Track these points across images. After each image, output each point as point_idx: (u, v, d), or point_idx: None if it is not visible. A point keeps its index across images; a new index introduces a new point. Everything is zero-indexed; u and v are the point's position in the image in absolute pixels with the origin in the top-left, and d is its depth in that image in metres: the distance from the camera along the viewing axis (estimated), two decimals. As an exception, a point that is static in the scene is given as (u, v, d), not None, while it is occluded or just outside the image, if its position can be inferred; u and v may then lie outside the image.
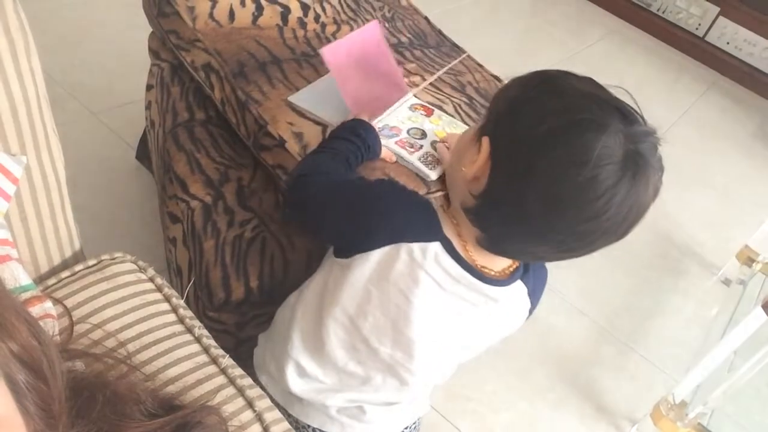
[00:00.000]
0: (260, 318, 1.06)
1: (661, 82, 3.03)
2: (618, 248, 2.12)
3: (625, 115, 0.69)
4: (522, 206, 0.71)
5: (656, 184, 0.70)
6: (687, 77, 3.15)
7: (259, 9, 1.27)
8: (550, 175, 0.68)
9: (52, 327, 0.65)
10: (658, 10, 3.32)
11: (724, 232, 2.24)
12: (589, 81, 0.74)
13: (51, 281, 0.75)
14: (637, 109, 0.72)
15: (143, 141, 1.62)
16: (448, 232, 0.79)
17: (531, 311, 0.89)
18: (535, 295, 0.88)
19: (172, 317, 0.74)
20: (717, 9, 3.16)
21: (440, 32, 1.51)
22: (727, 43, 3.20)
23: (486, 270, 0.80)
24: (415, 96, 1.14)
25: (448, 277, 0.79)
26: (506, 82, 0.80)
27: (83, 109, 1.78)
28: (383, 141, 0.99)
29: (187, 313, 0.76)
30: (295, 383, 0.90)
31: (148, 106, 1.44)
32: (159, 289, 0.76)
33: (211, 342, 0.75)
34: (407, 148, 1.02)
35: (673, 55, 3.29)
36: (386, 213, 0.81)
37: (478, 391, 1.47)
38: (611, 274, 1.90)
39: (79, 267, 0.76)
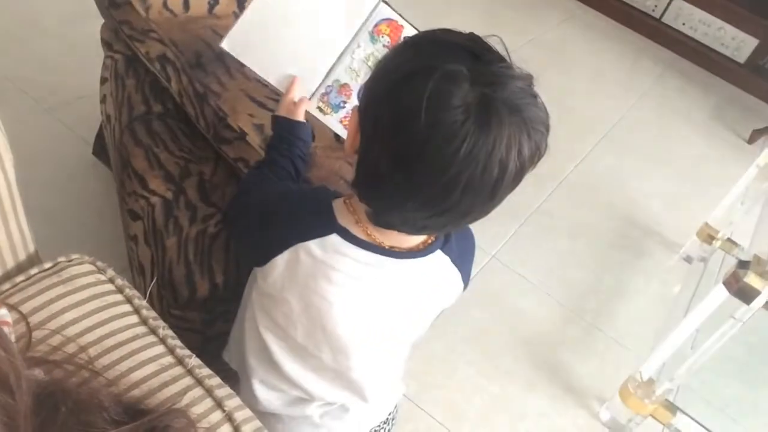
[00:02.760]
0: (228, 315, 1.04)
1: (620, 64, 3.06)
2: (581, 230, 2.15)
3: (477, 56, 0.63)
4: (378, 169, 0.67)
5: (528, 136, 0.63)
6: (645, 58, 3.19)
7: (215, -2, 1.24)
8: (390, 130, 0.65)
9: (8, 335, 0.63)
10: (615, -8, 3.35)
11: (684, 211, 2.28)
12: (454, 32, 0.68)
13: (5, 286, 0.72)
14: (504, 54, 0.65)
15: (99, 136, 1.57)
16: (344, 220, 0.76)
17: (465, 281, 0.85)
18: (462, 265, 0.84)
19: (134, 318, 0.71)
20: (672, -10, 3.20)
21: (401, 16, 1.50)
22: (683, 24, 3.25)
23: (396, 248, 0.77)
24: (385, 2, 1.00)
25: (357, 264, 0.76)
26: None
27: (35, 105, 1.72)
28: (326, 120, 0.99)
29: (150, 313, 0.73)
30: (267, 398, 0.88)
31: (103, 100, 1.40)
32: (120, 290, 0.73)
33: (177, 342, 0.73)
34: None
35: (631, 36, 3.33)
36: (278, 219, 0.80)
37: (450, 378, 1.47)
38: (575, 256, 1.92)
39: (34, 270, 0.73)
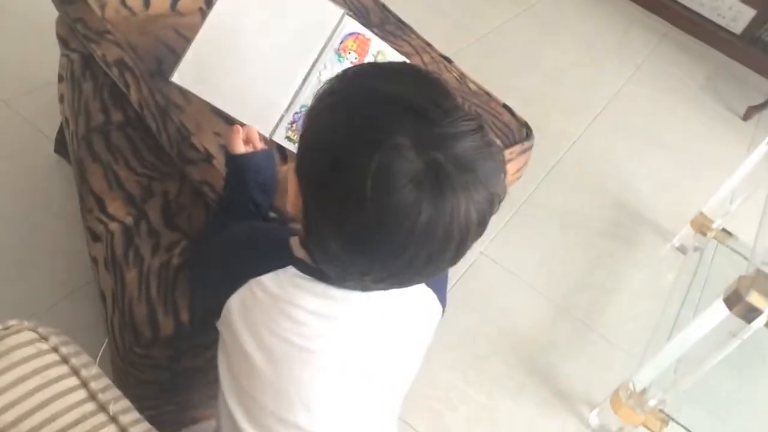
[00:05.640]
0: (196, 349, 0.97)
1: (612, 35, 2.95)
2: (572, 219, 2.05)
3: (422, 114, 0.57)
4: (328, 247, 0.61)
5: (485, 190, 0.58)
6: (639, 28, 3.08)
7: (179, -10, 1.13)
8: (336, 214, 0.59)
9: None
10: (609, -43, 3.21)
11: (677, 194, 2.22)
12: (390, 76, 0.63)
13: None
14: (449, 101, 0.60)
15: (62, 132, 1.46)
16: (301, 253, 0.70)
17: (442, 304, 0.79)
18: (436, 286, 0.77)
19: (81, 394, 0.63)
20: (668, -44, 3.08)
21: (384, 6, 1.39)
22: (678, -9, 3.14)
23: None
24: (349, 15, 0.94)
25: (317, 298, 0.68)
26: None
27: (-9, 96, 1.61)
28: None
29: (99, 384, 0.65)
30: None
31: (60, 99, 1.29)
32: (65, 360, 0.65)
33: (130, 417, 0.65)
34: None
35: (626, 4, 3.21)
36: (232, 258, 0.75)
37: (434, 387, 1.41)
38: (566, 249, 1.85)
39: (-35, 342, 0.65)
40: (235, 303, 0.71)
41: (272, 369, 0.70)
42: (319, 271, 0.67)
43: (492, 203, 0.60)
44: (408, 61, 1.00)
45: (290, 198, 0.67)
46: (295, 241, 0.71)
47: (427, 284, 0.75)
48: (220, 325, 0.74)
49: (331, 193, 0.59)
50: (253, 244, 0.76)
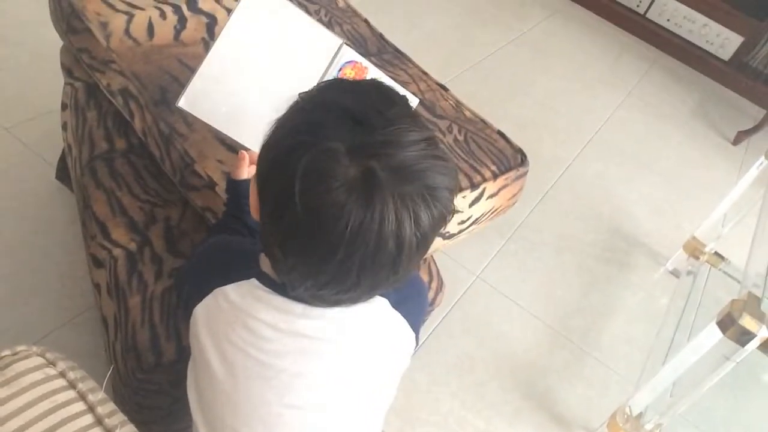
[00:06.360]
0: (197, 373, 0.98)
1: (604, 61, 3.01)
2: (566, 244, 2.07)
3: (361, 121, 0.57)
4: (272, 250, 0.63)
5: (423, 202, 0.57)
6: (629, 55, 3.14)
7: (182, 21, 1.16)
8: (272, 214, 0.61)
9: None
10: (599, -14, 3.28)
11: (669, 218, 2.25)
12: (345, 87, 0.65)
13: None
14: (395, 110, 0.60)
15: (63, 159, 1.48)
16: (268, 267, 0.70)
17: (414, 330, 0.75)
18: (405, 311, 0.74)
19: (88, 419, 0.64)
20: (657, -14, 3.14)
21: (381, 36, 1.42)
22: (668, 20, 3.20)
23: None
24: (347, 44, 0.97)
25: (276, 312, 0.68)
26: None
27: (-7, 122, 1.63)
28: None
29: (106, 409, 0.66)
30: None
31: (64, 127, 1.31)
32: (72, 385, 0.66)
33: (137, 442, 0.66)
34: None
35: (616, 32, 3.27)
36: (200, 264, 0.79)
37: (434, 412, 1.42)
38: (561, 273, 1.87)
39: (-25, 367, 0.65)
40: (200, 313, 0.72)
41: (231, 381, 0.69)
42: (282, 285, 0.67)
43: (433, 217, 0.59)
44: (403, 89, 1.02)
45: (252, 204, 0.68)
46: (263, 256, 0.71)
47: (399, 310, 0.73)
48: (190, 338, 0.75)
49: (269, 193, 0.61)
50: (223, 255, 0.78)
